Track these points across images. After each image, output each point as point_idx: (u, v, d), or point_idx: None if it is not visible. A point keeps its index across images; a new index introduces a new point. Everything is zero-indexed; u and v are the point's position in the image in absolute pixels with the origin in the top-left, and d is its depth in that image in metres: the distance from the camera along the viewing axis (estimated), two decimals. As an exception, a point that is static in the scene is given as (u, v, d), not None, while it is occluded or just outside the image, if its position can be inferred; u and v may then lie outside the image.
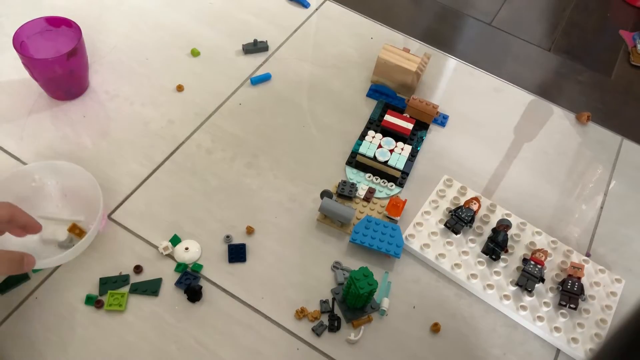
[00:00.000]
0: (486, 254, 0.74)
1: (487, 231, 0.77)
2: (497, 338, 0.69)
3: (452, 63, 0.99)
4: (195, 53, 0.91)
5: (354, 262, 0.73)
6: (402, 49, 0.90)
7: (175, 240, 0.71)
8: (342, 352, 0.65)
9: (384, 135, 0.83)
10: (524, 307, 0.70)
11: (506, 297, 0.71)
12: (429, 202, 0.79)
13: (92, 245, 0.69)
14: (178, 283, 0.68)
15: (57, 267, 0.67)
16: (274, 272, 0.70)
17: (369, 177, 0.80)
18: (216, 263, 0.70)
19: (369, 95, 0.91)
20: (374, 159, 0.80)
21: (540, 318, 0.69)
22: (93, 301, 0.65)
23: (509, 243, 0.76)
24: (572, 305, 0.70)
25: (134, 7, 0.97)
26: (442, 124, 0.89)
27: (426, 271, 0.73)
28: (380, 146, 0.81)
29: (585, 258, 0.76)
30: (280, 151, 0.82)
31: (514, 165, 0.86)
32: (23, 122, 0.80)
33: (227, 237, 0.72)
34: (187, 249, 0.70)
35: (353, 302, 0.66)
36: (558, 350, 0.69)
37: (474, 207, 0.76)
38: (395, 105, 0.89)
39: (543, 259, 0.72)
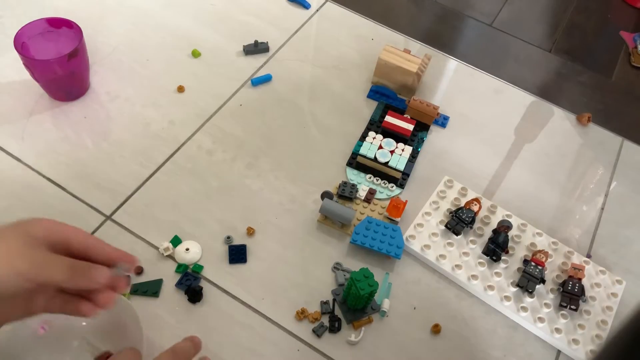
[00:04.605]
0: (487, 255, 0.74)
1: (488, 232, 0.77)
2: (498, 339, 0.69)
3: (452, 64, 0.99)
4: (196, 54, 0.92)
5: (355, 263, 0.72)
6: (402, 50, 0.90)
7: (175, 241, 0.71)
8: (342, 353, 0.65)
9: (384, 136, 0.83)
10: (524, 309, 0.70)
11: (507, 298, 0.71)
12: (429, 203, 0.78)
13: (92, 246, 0.69)
14: (179, 284, 0.68)
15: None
16: (275, 273, 0.70)
17: (370, 178, 0.80)
18: (217, 264, 0.70)
19: (369, 96, 0.91)
20: (375, 160, 0.80)
21: (540, 319, 0.69)
22: (93, 302, 0.65)
23: (510, 244, 0.76)
24: (572, 307, 0.70)
25: (134, 8, 0.97)
26: (443, 125, 0.89)
27: (427, 272, 0.73)
28: (380, 147, 0.81)
29: (586, 259, 0.76)
30: (281, 152, 0.82)
31: (515, 166, 0.86)
32: (24, 123, 0.80)
33: (228, 238, 0.72)
34: (187, 249, 0.70)
35: (353, 303, 0.66)
36: (559, 352, 0.69)
37: (475, 208, 0.76)
38: (395, 106, 0.89)
39: (544, 260, 0.72)
